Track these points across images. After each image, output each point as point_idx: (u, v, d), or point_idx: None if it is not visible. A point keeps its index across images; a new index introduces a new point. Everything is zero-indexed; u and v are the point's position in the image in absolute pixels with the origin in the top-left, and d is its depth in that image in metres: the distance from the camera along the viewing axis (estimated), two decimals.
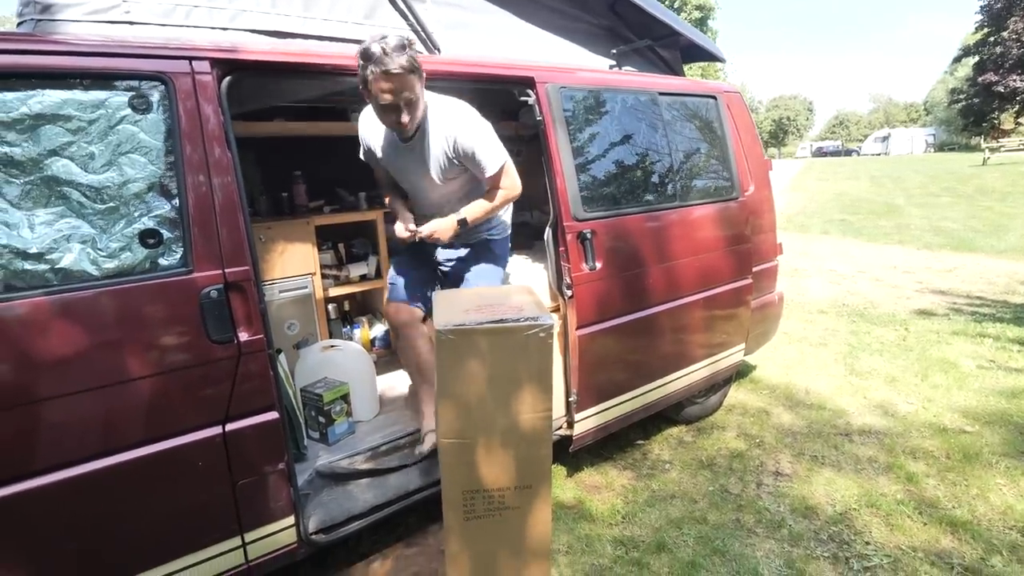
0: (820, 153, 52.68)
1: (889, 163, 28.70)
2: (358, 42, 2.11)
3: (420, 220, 2.16)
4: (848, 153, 52.25)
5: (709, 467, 2.73)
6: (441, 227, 2.04)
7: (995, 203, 12.13)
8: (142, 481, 1.48)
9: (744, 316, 3.12)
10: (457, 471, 1.52)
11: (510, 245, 2.44)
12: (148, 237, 1.48)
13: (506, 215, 2.38)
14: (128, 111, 1.47)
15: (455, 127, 1.91)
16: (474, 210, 2.07)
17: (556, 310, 2.49)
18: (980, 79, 34.03)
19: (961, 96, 38.43)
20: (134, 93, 1.49)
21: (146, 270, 1.47)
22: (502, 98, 2.64)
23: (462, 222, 2.05)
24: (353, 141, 3.49)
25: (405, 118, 1.80)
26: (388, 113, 1.81)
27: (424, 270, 2.39)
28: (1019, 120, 36.47)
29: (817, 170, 25.90)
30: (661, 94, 2.69)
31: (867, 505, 2.39)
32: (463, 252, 2.32)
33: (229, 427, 1.60)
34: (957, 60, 41.16)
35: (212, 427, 1.57)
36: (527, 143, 4.43)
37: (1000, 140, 29.42)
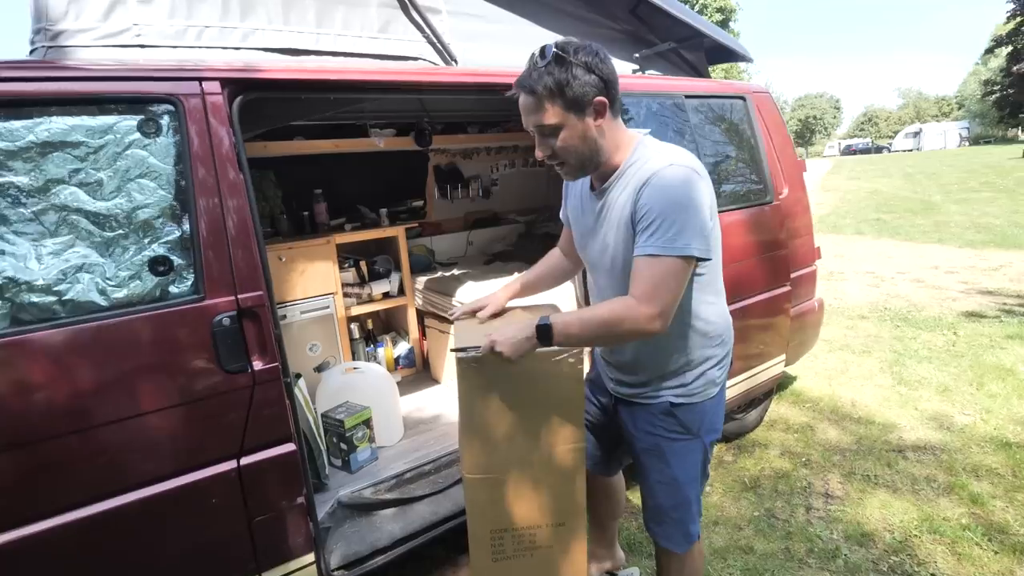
0: (849, 151, 51.40)
1: (922, 159, 27.84)
2: (374, 56, 2.07)
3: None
4: (878, 150, 50.87)
5: (753, 489, 2.57)
6: (505, 337, 1.29)
7: None
8: (152, 521, 1.41)
9: (783, 325, 2.95)
10: (484, 509, 1.42)
11: (710, 411, 1.48)
12: (158, 264, 1.42)
13: (713, 360, 1.46)
14: (137, 135, 1.42)
15: (654, 173, 1.26)
16: (572, 320, 1.29)
17: None
18: (1015, 69, 32.85)
19: (995, 87, 37.15)
20: (143, 117, 1.44)
21: (155, 299, 1.41)
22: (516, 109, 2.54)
23: (544, 330, 1.26)
24: (374, 157, 3.49)
25: (539, 152, 1.34)
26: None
27: (604, 429, 1.68)
28: None
29: (847, 168, 25.24)
30: (688, 97, 2.56)
31: (929, 531, 2.20)
32: (633, 415, 1.51)
33: (244, 461, 1.52)
34: (989, 51, 39.77)
35: (226, 462, 1.50)
36: None
37: None
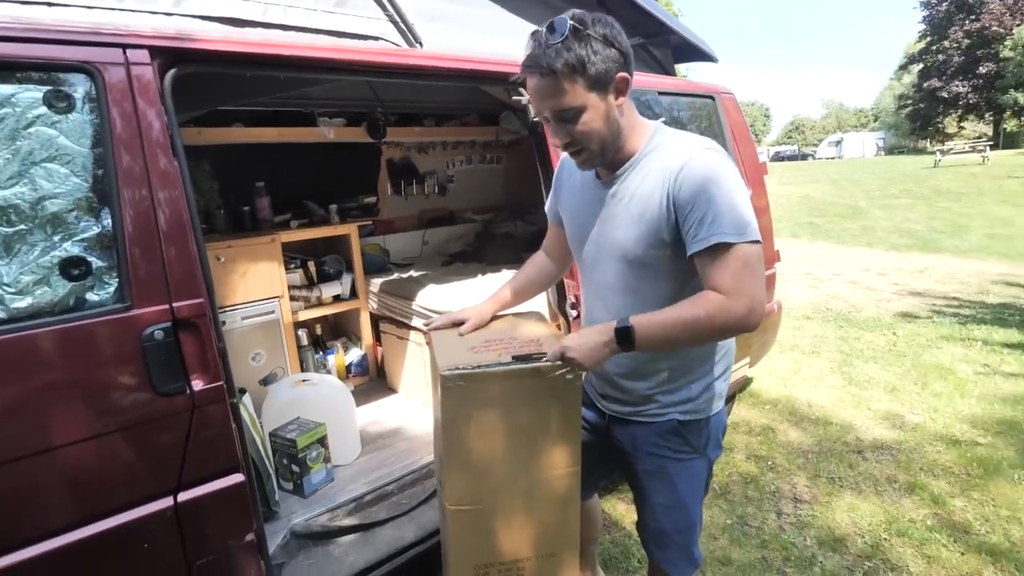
0: (778, 158, 54.01)
1: (845, 166, 29.58)
2: (328, 33, 1.86)
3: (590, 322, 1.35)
4: (804, 157, 53.80)
5: (724, 496, 2.53)
6: (579, 343, 1.15)
7: (951, 204, 12.51)
8: (72, 575, 1.17)
9: None
10: (468, 543, 1.26)
11: (715, 426, 1.36)
12: (72, 266, 1.18)
13: (719, 371, 1.34)
14: (44, 110, 1.17)
15: (689, 159, 1.13)
16: (654, 322, 1.13)
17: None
18: (925, 85, 35.66)
19: (908, 101, 40.20)
20: (52, 88, 1.19)
21: (69, 308, 1.16)
22: (479, 101, 2.37)
23: (623, 333, 1.12)
24: (323, 148, 3.23)
25: (557, 140, 1.20)
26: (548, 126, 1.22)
27: (587, 449, 1.35)
28: (962, 124, 38.37)
29: (778, 174, 26.44)
30: (660, 94, 2.49)
31: (897, 534, 2.21)
32: (634, 435, 1.36)
33: (182, 497, 1.29)
34: (903, 68, 43.04)
35: (160, 499, 1.27)
36: (507, 149, 4.22)
37: (947, 143, 30.72)
